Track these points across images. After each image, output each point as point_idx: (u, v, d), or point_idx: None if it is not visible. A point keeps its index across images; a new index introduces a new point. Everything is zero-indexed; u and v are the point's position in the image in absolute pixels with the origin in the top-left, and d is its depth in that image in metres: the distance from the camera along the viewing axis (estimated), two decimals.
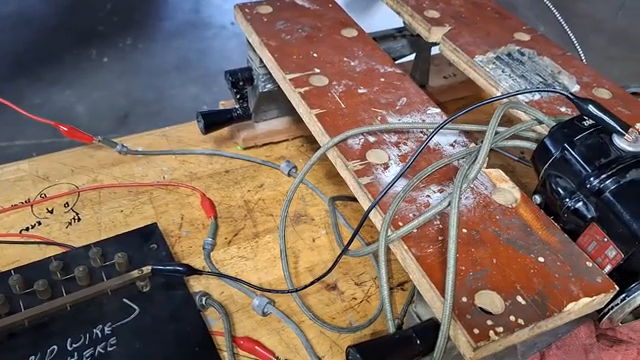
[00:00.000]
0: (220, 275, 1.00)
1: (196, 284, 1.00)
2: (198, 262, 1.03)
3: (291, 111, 1.28)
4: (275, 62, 1.00)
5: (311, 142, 1.32)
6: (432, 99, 0.95)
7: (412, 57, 1.38)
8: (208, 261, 1.03)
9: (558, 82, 0.99)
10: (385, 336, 0.69)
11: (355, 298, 1.01)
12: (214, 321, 0.95)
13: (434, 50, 1.27)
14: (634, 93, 1.05)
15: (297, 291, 0.93)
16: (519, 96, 0.92)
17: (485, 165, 0.81)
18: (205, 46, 3.86)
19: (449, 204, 0.71)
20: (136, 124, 3.09)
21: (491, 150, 0.80)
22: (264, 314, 0.96)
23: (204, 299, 0.95)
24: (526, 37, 1.10)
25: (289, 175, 1.21)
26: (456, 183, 0.72)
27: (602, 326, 0.73)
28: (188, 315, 0.93)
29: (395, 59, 1.30)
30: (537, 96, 0.94)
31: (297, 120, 1.29)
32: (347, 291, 1.02)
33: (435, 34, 1.11)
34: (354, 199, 0.80)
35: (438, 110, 0.92)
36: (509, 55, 1.04)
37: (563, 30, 1.18)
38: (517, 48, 1.06)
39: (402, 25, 1.25)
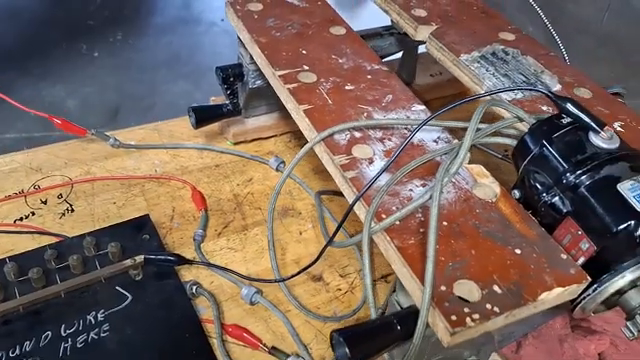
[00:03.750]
0: (210, 265, 1.03)
1: (187, 274, 1.02)
2: (189, 253, 1.06)
3: (280, 108, 1.31)
4: (265, 58, 1.02)
5: (299, 138, 1.34)
6: (418, 97, 0.98)
7: (399, 55, 1.41)
8: (199, 252, 1.06)
9: (541, 81, 1.01)
10: (367, 322, 0.72)
11: (340, 289, 1.04)
12: (204, 309, 0.98)
13: (421, 49, 1.30)
14: (616, 93, 1.08)
15: (283, 280, 0.95)
16: (502, 94, 0.95)
17: (467, 161, 0.84)
18: (195, 42, 3.87)
19: (431, 197, 0.74)
20: (127, 119, 3.10)
21: (476, 147, 0.83)
22: (252, 303, 0.99)
23: (194, 288, 0.98)
24: (511, 37, 1.13)
25: (277, 170, 1.24)
26: (437, 177, 0.75)
27: (575, 316, 0.76)
28: (179, 303, 0.96)
29: (382, 57, 1.33)
30: (520, 95, 0.97)
31: (285, 116, 1.32)
32: (332, 282, 1.05)
33: (421, 32, 1.13)
34: (340, 194, 0.83)
35: (423, 107, 0.95)
36: (494, 54, 1.07)
37: (551, 31, 1.21)
38: (502, 47, 1.09)
39: (390, 24, 1.28)
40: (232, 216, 1.15)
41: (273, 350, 0.93)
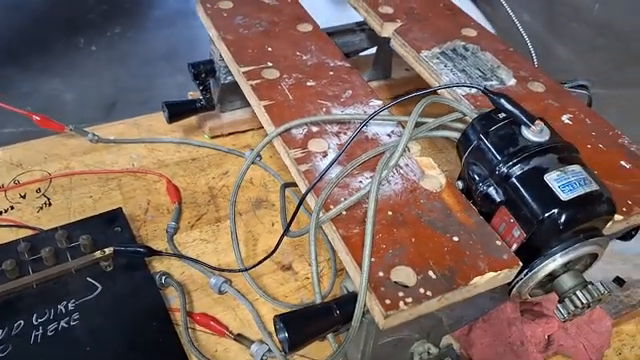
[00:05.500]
0: (179, 256, 1.07)
1: (159, 265, 1.06)
2: (161, 245, 1.10)
3: None
4: (231, 55, 1.06)
5: None
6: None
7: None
8: (170, 243, 1.10)
9: (496, 76, 1.05)
10: (309, 306, 0.76)
11: (308, 278, 1.08)
12: (173, 299, 1.01)
13: None
14: (581, 86, 1.11)
15: (247, 270, 0.99)
16: (458, 90, 0.99)
17: (418, 153, 0.88)
18: (194, 35, 3.88)
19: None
20: (124, 112, 3.07)
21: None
22: (221, 292, 1.03)
23: (163, 278, 1.02)
24: (473, 33, 1.16)
25: (253, 163, 1.27)
26: (377, 169, 0.79)
27: (513, 299, 0.80)
28: (148, 293, 0.99)
29: (355, 52, 1.37)
30: (474, 90, 1.00)
31: None
32: (301, 272, 1.09)
33: (387, 29, 1.17)
34: None
35: (380, 102, 0.98)
36: (454, 50, 1.10)
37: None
38: (462, 44, 1.12)
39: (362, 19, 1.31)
40: (206, 208, 1.19)
41: (238, 337, 0.97)
